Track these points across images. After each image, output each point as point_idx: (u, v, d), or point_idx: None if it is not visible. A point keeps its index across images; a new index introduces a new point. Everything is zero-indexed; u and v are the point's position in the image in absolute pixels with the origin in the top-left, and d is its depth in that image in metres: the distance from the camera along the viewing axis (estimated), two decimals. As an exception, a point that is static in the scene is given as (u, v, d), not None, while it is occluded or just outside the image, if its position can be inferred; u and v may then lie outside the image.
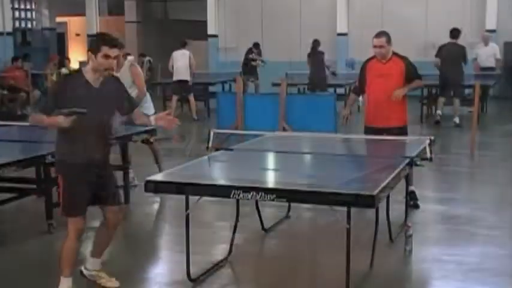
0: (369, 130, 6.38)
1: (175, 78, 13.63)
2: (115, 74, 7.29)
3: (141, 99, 7.26)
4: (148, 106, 7.42)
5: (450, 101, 12.25)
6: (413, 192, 6.45)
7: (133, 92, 7.20)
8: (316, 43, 14.35)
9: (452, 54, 11.91)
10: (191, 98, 13.77)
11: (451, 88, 12.07)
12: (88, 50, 4.26)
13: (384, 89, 6.21)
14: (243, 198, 4.02)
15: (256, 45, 16.33)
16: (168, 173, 4.60)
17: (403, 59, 6.38)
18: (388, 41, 6.27)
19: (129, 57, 7.39)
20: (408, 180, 5.97)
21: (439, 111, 12.16)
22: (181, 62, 13.49)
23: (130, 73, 7.10)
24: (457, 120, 11.98)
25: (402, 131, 6.30)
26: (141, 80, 7.28)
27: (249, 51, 16.27)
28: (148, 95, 7.46)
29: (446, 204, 6.83)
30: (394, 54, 6.36)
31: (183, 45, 13.73)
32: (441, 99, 12.26)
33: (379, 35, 6.31)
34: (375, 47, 6.28)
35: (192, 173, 4.68)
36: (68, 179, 4.18)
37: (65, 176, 4.18)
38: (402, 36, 16.96)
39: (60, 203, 4.29)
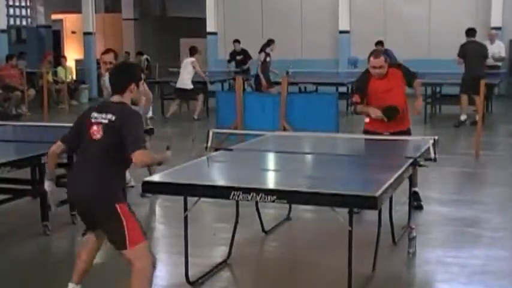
0: (370, 133, 6.35)
1: (176, 85, 13.93)
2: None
3: (150, 103, 7.36)
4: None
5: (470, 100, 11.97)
6: (416, 193, 6.46)
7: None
8: (268, 42, 14.58)
9: (476, 52, 11.94)
10: (200, 97, 13.87)
11: (474, 85, 11.33)
12: (131, 82, 4.09)
13: (390, 103, 6.22)
14: (242, 199, 4.02)
15: (235, 41, 16.56)
16: (166, 174, 4.60)
17: (398, 67, 6.44)
18: (386, 59, 6.29)
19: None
20: (412, 181, 6.00)
21: (464, 116, 11.92)
22: (183, 70, 13.79)
23: None
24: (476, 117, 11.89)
25: (406, 133, 6.31)
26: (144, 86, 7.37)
27: (233, 53, 16.56)
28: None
29: (450, 205, 6.84)
30: (388, 65, 6.32)
31: (190, 54, 13.92)
32: (464, 98, 12.03)
33: (378, 55, 6.26)
34: (374, 68, 6.19)
35: (190, 173, 4.68)
36: (127, 205, 3.99)
37: (126, 203, 3.98)
38: (405, 34, 17.06)
39: (133, 236, 3.87)
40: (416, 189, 6.44)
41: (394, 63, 6.37)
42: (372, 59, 6.21)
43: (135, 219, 3.94)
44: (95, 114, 4.01)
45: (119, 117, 3.93)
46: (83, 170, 4.01)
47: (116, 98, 4.09)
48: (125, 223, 3.87)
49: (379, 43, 14.86)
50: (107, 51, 7.36)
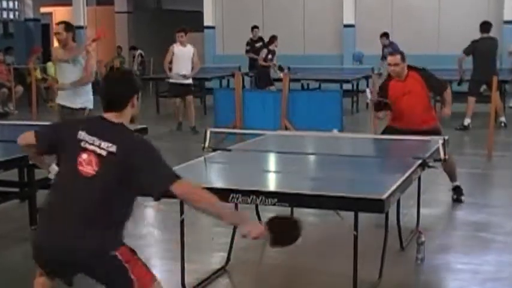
0: (393, 131, 6.52)
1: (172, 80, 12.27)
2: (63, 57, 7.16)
3: (85, 83, 7.24)
4: (88, 99, 7.36)
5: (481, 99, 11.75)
6: (458, 188, 6.92)
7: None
8: (270, 39, 14.43)
9: (488, 49, 11.59)
10: (189, 98, 11.89)
11: (484, 84, 11.40)
12: (133, 94, 3.44)
13: (410, 106, 6.62)
14: (242, 202, 4.02)
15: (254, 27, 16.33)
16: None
17: (419, 71, 6.81)
18: (403, 58, 6.68)
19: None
20: (452, 176, 6.86)
21: (468, 120, 11.61)
22: (185, 60, 11.94)
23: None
24: (503, 119, 11.81)
25: (434, 132, 6.35)
26: (92, 61, 7.21)
27: (252, 42, 16.25)
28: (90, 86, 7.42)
29: (461, 209, 6.84)
30: (409, 68, 6.74)
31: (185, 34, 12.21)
32: (472, 100, 11.73)
33: (393, 53, 6.91)
34: (389, 65, 6.74)
35: (187, 175, 4.67)
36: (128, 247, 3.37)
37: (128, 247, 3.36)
38: (413, 28, 17.05)
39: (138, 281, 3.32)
40: (457, 183, 6.91)
41: (416, 67, 6.82)
42: (388, 57, 6.87)
43: (140, 260, 3.37)
44: (83, 135, 3.28)
45: (121, 149, 3.22)
46: (65, 216, 3.23)
47: (111, 116, 3.36)
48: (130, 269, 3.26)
49: (384, 35, 14.86)
50: (59, 22, 7.46)
